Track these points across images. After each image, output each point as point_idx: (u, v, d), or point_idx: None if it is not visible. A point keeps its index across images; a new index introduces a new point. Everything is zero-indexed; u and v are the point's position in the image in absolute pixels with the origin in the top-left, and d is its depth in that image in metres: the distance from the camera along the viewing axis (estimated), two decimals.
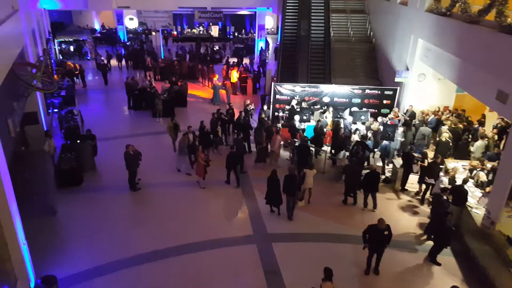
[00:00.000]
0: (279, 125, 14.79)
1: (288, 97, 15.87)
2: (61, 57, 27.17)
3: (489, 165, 11.16)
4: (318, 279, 8.30)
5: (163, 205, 11.12)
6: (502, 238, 8.32)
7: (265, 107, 15.63)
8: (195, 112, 18.32)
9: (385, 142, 13.06)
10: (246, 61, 27.87)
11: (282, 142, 13.20)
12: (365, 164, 12.29)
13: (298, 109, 15.13)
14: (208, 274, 8.56)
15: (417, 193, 11.86)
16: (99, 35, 34.76)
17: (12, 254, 6.87)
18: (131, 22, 34.10)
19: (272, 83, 16.20)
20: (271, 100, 16.11)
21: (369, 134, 13.36)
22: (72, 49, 28.71)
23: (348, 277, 8.55)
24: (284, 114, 15.80)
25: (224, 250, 9.37)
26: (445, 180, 10.46)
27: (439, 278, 8.64)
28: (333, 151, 14.07)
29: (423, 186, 11.53)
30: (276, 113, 15.89)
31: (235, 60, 26.19)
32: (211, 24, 37.13)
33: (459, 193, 9.81)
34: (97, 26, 37.07)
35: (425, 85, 15.17)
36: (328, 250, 9.43)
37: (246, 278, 8.48)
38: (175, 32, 36.59)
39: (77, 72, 21.92)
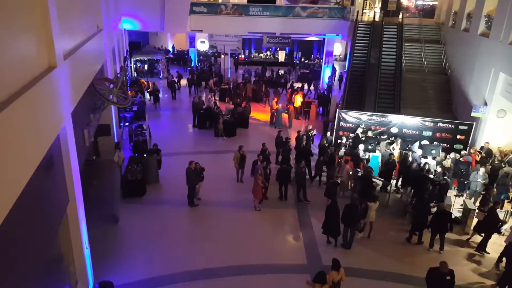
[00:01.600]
0: (341, 152, 14.48)
1: (353, 125, 15.56)
2: (135, 75, 29.22)
3: None
4: None
5: (218, 224, 11.27)
6: None
7: (328, 134, 15.45)
8: (256, 134, 18.67)
9: None
10: (310, 86, 28.00)
11: (351, 172, 12.84)
12: (434, 202, 11.54)
13: (363, 138, 14.73)
14: None
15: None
16: (171, 55, 37.13)
17: (76, 258, 7.23)
18: (202, 45, 36.09)
19: (337, 110, 16.02)
20: (335, 127, 15.89)
21: (439, 169, 12.60)
22: (146, 68, 30.81)
23: None
24: (348, 142, 15.46)
25: (276, 276, 9.25)
26: None
27: None
28: (399, 184, 13.46)
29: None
30: (339, 140, 15.61)
31: (299, 85, 26.40)
32: (278, 49, 38.02)
33: None
34: (170, 47, 39.74)
35: (505, 121, 14.05)
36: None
37: None
38: (242, 56, 37.98)
39: (149, 90, 23.42)
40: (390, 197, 12.86)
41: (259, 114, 22.33)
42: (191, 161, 11.93)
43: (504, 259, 9.48)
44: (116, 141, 14.63)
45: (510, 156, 13.27)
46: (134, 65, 30.07)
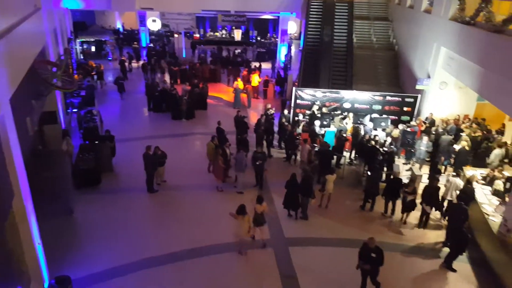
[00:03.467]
0: (299, 129, 15.00)
1: (309, 102, 16.11)
2: (82, 57, 27.79)
3: (506, 173, 11.14)
4: (334, 283, 8.54)
5: (180, 208, 11.32)
6: None
7: (285, 112, 15.89)
8: (216, 115, 18.73)
9: None
10: (268, 65, 28.24)
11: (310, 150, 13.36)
12: (386, 170, 12.41)
13: (319, 115, 15.34)
14: (224, 278, 8.74)
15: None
16: (121, 36, 35.66)
17: (26, 254, 6.84)
18: (154, 24, 34.90)
19: (294, 88, 16.45)
20: (292, 105, 16.35)
21: (389, 140, 13.49)
22: (94, 49, 29.24)
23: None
24: (305, 119, 16.02)
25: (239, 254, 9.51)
26: (458, 181, 10.77)
27: (454, 285, 8.78)
28: (352, 156, 14.27)
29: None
30: (296, 118, 16.13)
31: (257, 64, 26.57)
32: (234, 28, 37.65)
33: (467, 194, 10.22)
34: (120, 27, 38.06)
35: (447, 93, 15.16)
36: (344, 255, 9.56)
37: (262, 282, 8.67)
38: (197, 35, 37.26)
39: (93, 73, 22.34)
40: (345, 169, 13.63)
41: (219, 94, 22.35)
42: (148, 146, 11.75)
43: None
44: (63, 128, 14.05)
45: (451, 125, 14.44)
46: (80, 47, 28.56)
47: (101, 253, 9.26)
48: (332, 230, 10.57)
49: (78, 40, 28.01)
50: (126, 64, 25.42)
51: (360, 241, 9.96)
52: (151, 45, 31.55)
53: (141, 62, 26.67)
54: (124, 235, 10.01)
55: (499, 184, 10.66)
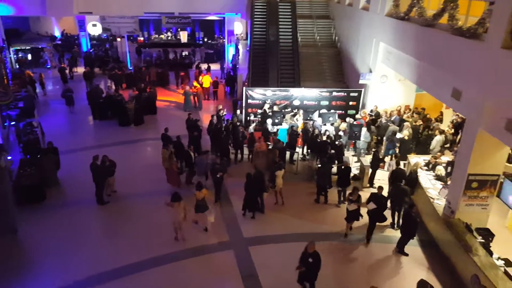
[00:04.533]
0: (251, 128, 15.07)
1: (260, 101, 16.23)
2: (17, 66, 26.00)
3: (446, 158, 11.98)
4: (294, 278, 8.66)
5: (134, 217, 10.94)
6: (462, 226, 9.01)
7: (238, 112, 15.90)
8: (166, 119, 18.32)
9: None
10: (216, 66, 28.09)
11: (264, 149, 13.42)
12: (336, 162, 12.82)
13: (270, 113, 15.52)
14: (186, 283, 8.62)
15: None
16: (59, 42, 33.66)
17: None
18: (95, 29, 33.28)
19: (244, 88, 16.51)
20: (243, 105, 16.40)
21: (341, 134, 13.99)
22: (30, 57, 27.50)
23: (323, 272, 8.92)
24: (257, 118, 16.13)
25: (201, 258, 9.43)
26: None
27: (407, 268, 9.23)
28: (305, 152, 14.60)
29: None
30: (248, 118, 16.19)
31: (206, 65, 26.34)
32: (179, 29, 37.00)
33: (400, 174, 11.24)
34: (58, 33, 35.96)
35: (388, 86, 15.94)
36: (302, 249, 9.73)
37: (224, 284, 8.65)
38: (141, 38, 36.14)
39: (35, 83, 20.91)
40: (299, 164, 13.90)
41: (168, 98, 21.86)
42: (95, 155, 11.25)
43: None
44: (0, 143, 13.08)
45: (395, 116, 15.25)
46: (15, 56, 26.63)
47: (51, 272, 8.76)
48: (289, 226, 10.72)
49: (12, 49, 26.07)
50: (67, 71, 24.05)
51: (317, 234, 10.34)
52: (92, 50, 30.08)
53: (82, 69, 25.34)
54: (75, 251, 9.50)
55: (440, 169, 11.42)
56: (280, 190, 11.54)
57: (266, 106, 15.92)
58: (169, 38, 37.05)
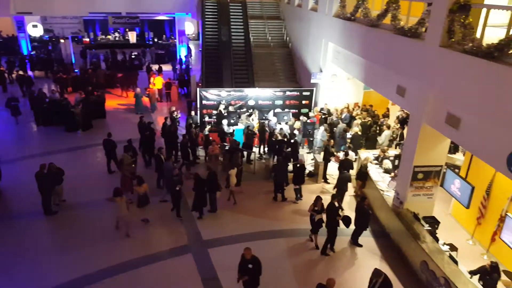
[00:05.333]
0: (206, 131, 14.92)
1: (215, 102, 16.12)
2: None
3: (393, 152, 12.65)
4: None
5: (86, 227, 10.43)
6: (410, 215, 9.54)
7: (192, 113, 15.69)
8: (116, 123, 17.64)
9: None
10: (168, 67, 27.51)
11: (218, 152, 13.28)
12: (292, 160, 13.06)
13: (226, 114, 15.47)
14: None
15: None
16: None
17: None
18: (35, 30, 31.23)
19: (198, 89, 16.31)
20: (198, 106, 16.20)
21: (297, 132, 14.25)
22: None
23: (283, 269, 9.08)
24: (212, 119, 16.01)
25: (159, 264, 9.19)
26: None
27: (362, 258, 9.62)
28: (262, 152, 14.72)
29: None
30: (203, 119, 16.02)
31: (157, 67, 25.71)
32: (127, 30, 35.80)
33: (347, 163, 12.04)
34: None
35: (337, 84, 16.50)
36: (262, 248, 9.76)
37: None
38: (87, 39, 34.51)
39: None
40: (256, 164, 13.99)
41: (119, 100, 21.06)
42: (42, 164, 10.61)
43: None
44: None
45: (345, 114, 15.82)
46: None
47: None
48: (248, 225, 10.75)
49: None
50: (6, 75, 22.36)
51: (276, 231, 10.48)
52: (33, 52, 28.20)
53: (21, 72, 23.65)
54: (22, 267, 8.87)
55: (387, 163, 12.02)
56: (233, 189, 11.58)
57: (222, 107, 15.85)
58: (116, 38, 35.75)
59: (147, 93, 19.73)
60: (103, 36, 36.09)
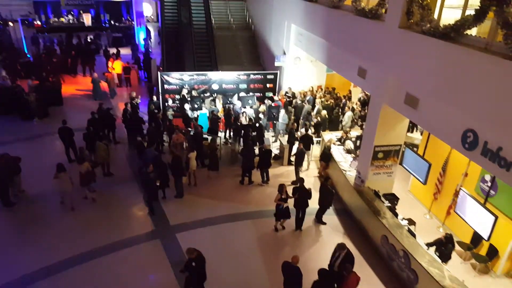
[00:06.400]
0: (170, 115, 14.58)
1: (177, 86, 15.74)
2: None
3: (355, 133, 13.01)
4: (224, 259, 8.77)
5: (47, 217, 10.06)
6: (371, 193, 9.92)
7: (154, 98, 15.25)
8: (74, 110, 16.85)
9: None
10: (127, 51, 26.44)
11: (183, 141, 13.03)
12: (258, 144, 13.10)
13: (189, 98, 15.17)
14: (113, 278, 8.24)
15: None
16: None
17: None
18: None
19: (159, 73, 15.83)
20: (160, 91, 15.76)
21: (262, 116, 14.24)
22: None
23: (252, 249, 9.20)
24: (175, 104, 15.66)
25: (127, 251, 9.06)
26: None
27: (326, 235, 9.94)
28: (227, 136, 14.63)
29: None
30: (166, 104, 15.63)
31: (114, 50, 24.63)
32: (81, 12, 33.91)
33: (308, 139, 12.60)
34: None
35: (301, 67, 16.60)
36: (230, 230, 9.94)
37: (154, 275, 8.42)
38: (38, 22, 32.38)
39: None
40: (222, 149, 13.91)
41: (76, 86, 20.05)
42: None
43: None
44: None
45: (308, 96, 16.00)
46: None
47: None
48: (216, 209, 10.75)
49: None
50: None
51: (243, 214, 10.55)
52: None
53: None
54: None
55: (349, 144, 12.35)
56: (194, 172, 11.55)
57: (184, 91, 15.52)
58: (70, 21, 33.82)
59: (106, 78, 18.91)
60: (56, 19, 34.03)
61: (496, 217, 7.32)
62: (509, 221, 8.12)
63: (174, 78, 15.70)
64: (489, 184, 8.51)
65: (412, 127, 13.77)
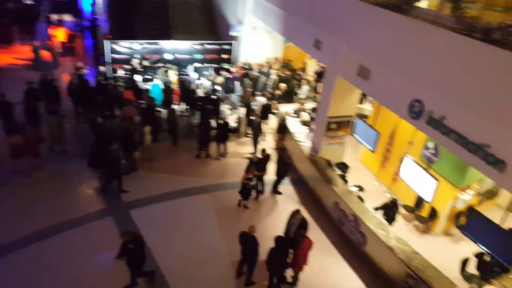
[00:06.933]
0: (120, 85, 13.90)
1: (128, 56, 14.97)
2: None
3: (310, 105, 13.24)
4: (181, 235, 8.73)
5: None
6: (324, 163, 10.27)
7: (101, 69, 14.40)
8: (12, 83, 15.48)
9: None
10: (71, 17, 24.50)
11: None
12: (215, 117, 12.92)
13: (141, 69, 14.51)
14: (64, 258, 7.95)
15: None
16: None
17: None
18: None
19: (106, 41, 14.89)
20: (108, 61, 14.89)
21: (218, 88, 13.97)
22: None
23: (210, 222, 9.26)
24: (125, 75, 14.92)
25: (80, 229, 8.74)
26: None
27: (282, 204, 10.24)
28: (184, 109, 14.28)
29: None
30: (115, 75, 14.85)
31: (56, 16, 22.73)
32: None
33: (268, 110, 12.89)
34: None
35: (258, 38, 16.37)
36: (187, 204, 9.89)
37: (108, 253, 8.06)
38: None
39: None
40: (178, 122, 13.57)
41: (13, 56, 18.40)
42: None
43: None
44: None
45: (265, 68, 15.88)
46: None
47: None
48: (172, 183, 10.59)
49: None
50: None
51: (200, 187, 10.51)
52: None
53: None
54: None
55: (304, 115, 12.57)
56: (149, 146, 11.26)
57: (135, 61, 14.81)
58: None
59: (48, 46, 17.50)
60: None
61: (438, 181, 7.89)
62: (448, 184, 8.80)
63: (123, 47, 14.89)
64: (432, 151, 9.11)
65: (362, 98, 14.23)
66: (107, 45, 14.65)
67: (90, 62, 17.56)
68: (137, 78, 13.95)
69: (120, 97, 12.93)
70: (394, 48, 7.32)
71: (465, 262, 7.68)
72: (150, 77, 14.40)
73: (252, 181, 9.60)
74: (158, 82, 14.19)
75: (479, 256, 7.39)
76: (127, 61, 14.97)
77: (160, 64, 15.26)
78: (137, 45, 15.05)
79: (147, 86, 14.08)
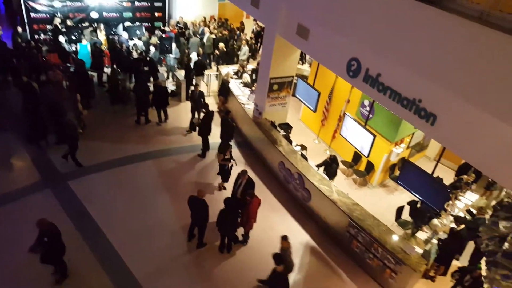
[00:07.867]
0: (44, 51, 12.54)
1: (48, 15, 13.40)
2: None
3: (251, 66, 13.14)
4: (126, 206, 8.46)
5: None
6: (268, 124, 10.41)
7: (19, 30, 12.78)
8: None
9: None
10: None
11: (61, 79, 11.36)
12: (152, 80, 12.31)
13: (64, 29, 13.13)
14: (8, 232, 7.45)
15: None
16: None
17: None
18: None
19: None
20: (26, 20, 13.24)
21: (153, 49, 13.15)
22: None
23: (156, 187, 9.07)
24: (47, 37, 13.43)
25: (15, 204, 8.14)
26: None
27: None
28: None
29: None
30: (36, 36, 13.31)
31: None
32: None
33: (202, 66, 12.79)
34: None
35: None
36: (129, 172, 9.53)
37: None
38: None
39: None
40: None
41: None
42: None
43: None
44: None
45: (201, 28, 15.25)
46: None
47: None
48: (110, 152, 10.10)
49: None
50: None
51: (143, 154, 10.15)
52: None
53: None
54: None
55: (246, 77, 12.46)
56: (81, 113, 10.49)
57: (57, 21, 13.34)
58: None
59: None
60: None
61: (374, 136, 8.42)
62: (383, 139, 9.46)
63: (42, 4, 13.30)
64: (368, 108, 9.63)
65: (300, 59, 14.42)
66: (22, 2, 12.93)
67: (4, 22, 15.47)
68: (61, 39, 12.63)
69: (43, 60, 11.69)
70: (332, 7, 7.37)
71: (400, 210, 8.46)
72: (76, 38, 13.12)
73: (229, 161, 9.03)
74: (85, 43, 13.01)
75: (411, 203, 8.17)
76: (48, 21, 13.43)
77: (86, 24, 13.93)
78: (58, 3, 13.51)
79: (74, 48, 12.86)
